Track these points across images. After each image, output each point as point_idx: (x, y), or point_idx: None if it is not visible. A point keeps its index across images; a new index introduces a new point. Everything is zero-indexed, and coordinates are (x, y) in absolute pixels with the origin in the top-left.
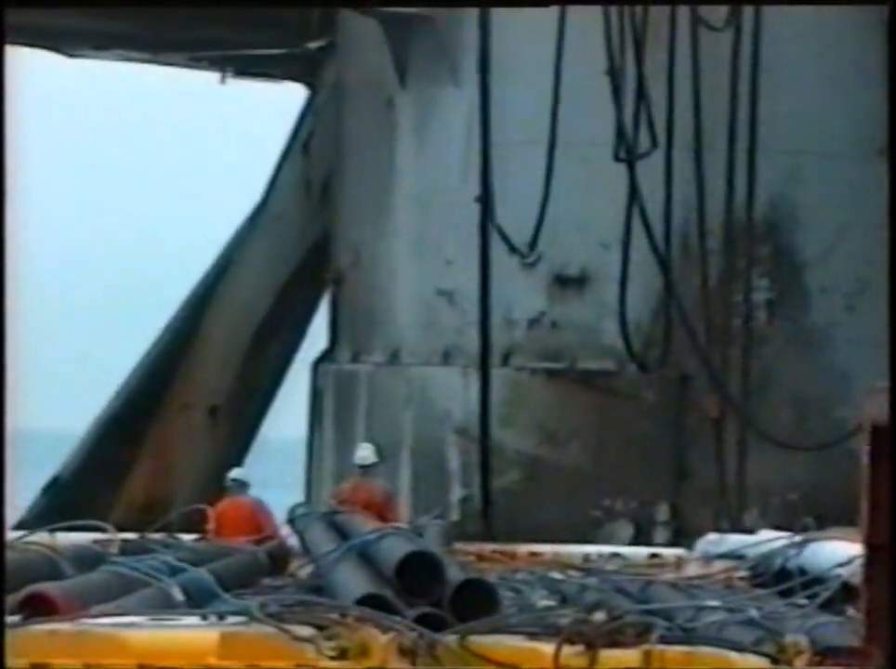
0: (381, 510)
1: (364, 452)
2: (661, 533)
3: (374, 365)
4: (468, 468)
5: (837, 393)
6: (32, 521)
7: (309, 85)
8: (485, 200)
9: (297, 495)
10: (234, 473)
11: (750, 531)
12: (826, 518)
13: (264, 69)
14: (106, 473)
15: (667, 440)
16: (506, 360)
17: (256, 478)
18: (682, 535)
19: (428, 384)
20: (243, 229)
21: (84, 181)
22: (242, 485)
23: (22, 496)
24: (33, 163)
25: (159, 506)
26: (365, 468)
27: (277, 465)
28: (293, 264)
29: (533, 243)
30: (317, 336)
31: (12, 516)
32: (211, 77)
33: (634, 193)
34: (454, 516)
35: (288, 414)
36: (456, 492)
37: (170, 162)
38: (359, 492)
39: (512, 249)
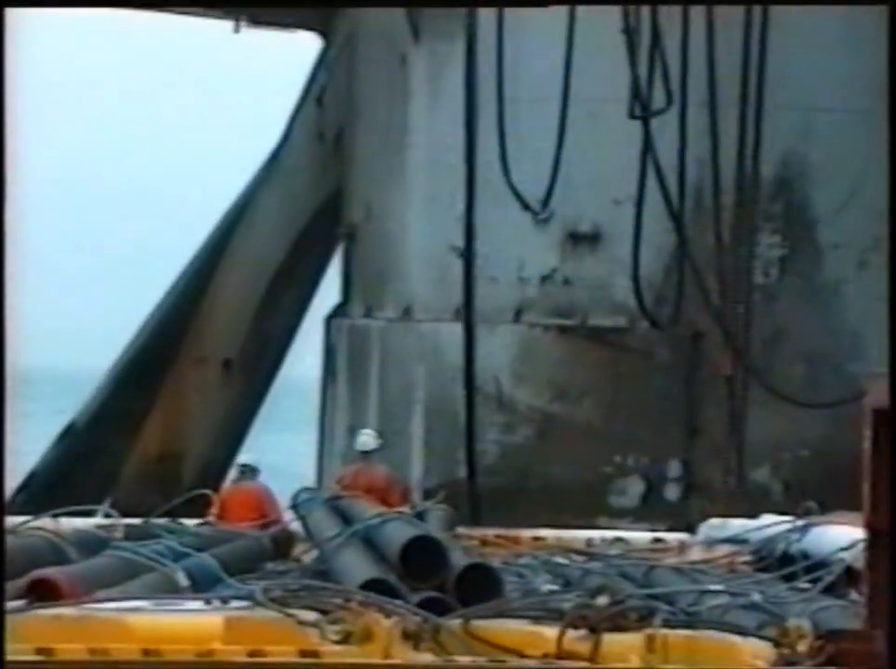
0: (383, 495)
1: (365, 438)
2: (672, 489)
3: (386, 321)
4: (481, 424)
5: (849, 349)
6: (47, 468)
7: (323, 34)
8: (470, 153)
9: (311, 438)
10: (244, 458)
11: (759, 499)
12: (838, 476)
13: (278, 18)
14: (120, 422)
15: (679, 397)
16: (518, 316)
17: (271, 417)
18: (693, 491)
19: (441, 340)
20: (256, 180)
21: (99, 133)
22: (251, 471)
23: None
24: (51, 118)
25: (173, 458)
26: (366, 454)
27: (292, 404)
28: (306, 217)
29: (546, 200)
30: (330, 291)
31: (28, 462)
32: (225, 26)
33: (648, 150)
34: (467, 472)
35: (305, 355)
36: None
37: (183, 111)
38: (360, 478)
39: (525, 206)
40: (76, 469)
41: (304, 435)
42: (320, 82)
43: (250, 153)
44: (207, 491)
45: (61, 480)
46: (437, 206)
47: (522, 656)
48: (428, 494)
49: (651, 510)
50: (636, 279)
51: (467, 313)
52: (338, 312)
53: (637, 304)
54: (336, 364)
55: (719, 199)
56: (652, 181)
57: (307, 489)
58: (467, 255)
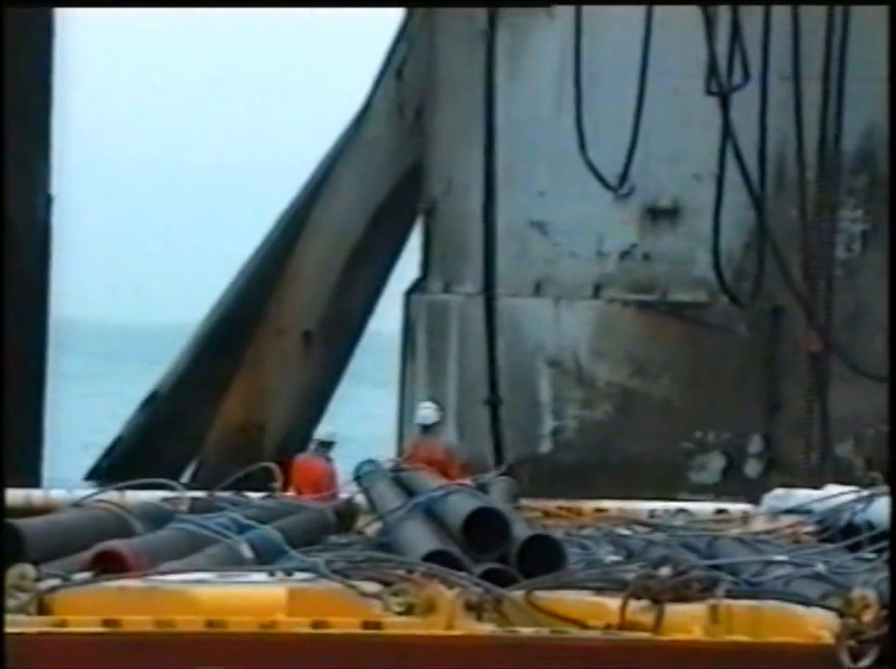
0: (443, 468)
1: (426, 411)
2: (753, 465)
3: (465, 296)
4: (560, 400)
5: None
6: (131, 435)
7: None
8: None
9: (392, 393)
10: (321, 433)
11: (841, 475)
12: None
13: None
14: (202, 391)
15: (759, 372)
16: (597, 292)
17: (355, 372)
18: (774, 467)
19: (520, 315)
20: (336, 151)
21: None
22: (325, 446)
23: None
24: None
25: (254, 428)
26: (427, 428)
27: (375, 360)
28: (386, 190)
29: (625, 175)
30: (409, 266)
31: (113, 428)
32: None
33: (727, 126)
34: (547, 447)
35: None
36: (548, 424)
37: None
38: (420, 451)
39: (603, 183)
40: (160, 436)
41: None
42: (400, 53)
43: (331, 123)
44: (271, 464)
45: (145, 447)
46: (517, 181)
47: (585, 627)
48: (509, 469)
49: (731, 486)
50: (716, 254)
51: (487, 284)
52: (417, 287)
53: (717, 279)
54: (415, 339)
55: (802, 173)
56: (732, 156)
57: (369, 461)
58: (487, 217)
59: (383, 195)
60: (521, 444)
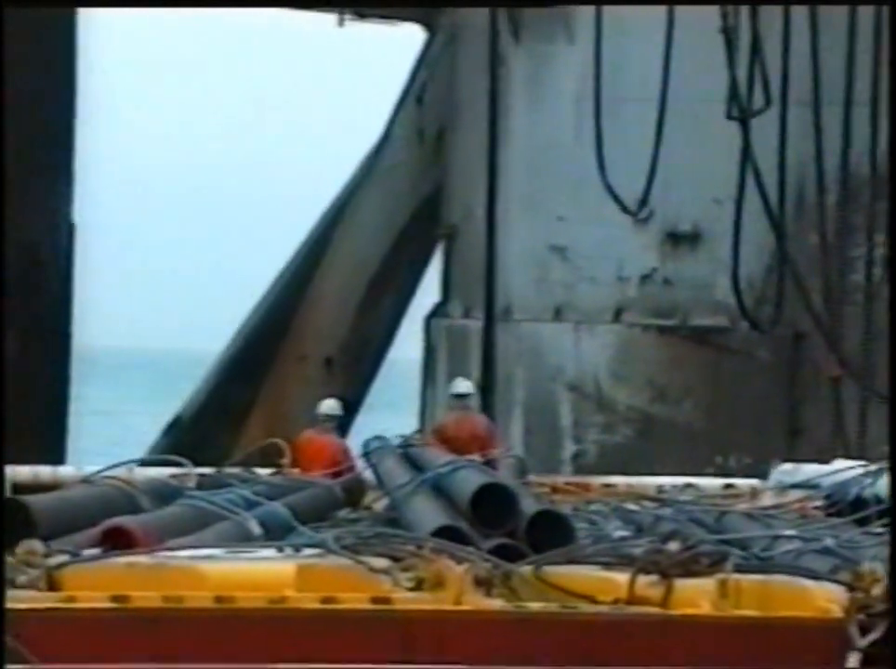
0: (484, 444)
1: (461, 383)
2: None
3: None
4: (580, 424)
5: None
6: (154, 461)
7: (427, 26)
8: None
9: (412, 419)
10: (325, 406)
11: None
12: None
13: (382, 11)
14: (225, 417)
15: (781, 398)
16: (617, 316)
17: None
18: None
19: (540, 340)
20: (357, 178)
21: (205, 124)
22: (330, 419)
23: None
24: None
25: (276, 453)
26: (462, 398)
27: (395, 385)
28: (405, 216)
29: (645, 200)
30: (429, 290)
31: (137, 452)
32: (329, 19)
33: (747, 151)
34: (567, 471)
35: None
36: (568, 448)
37: (287, 105)
38: (463, 426)
39: (623, 208)
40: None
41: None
42: (421, 79)
43: (352, 150)
44: (279, 441)
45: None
46: (536, 206)
47: (594, 602)
48: None
49: None
50: (735, 279)
51: (488, 305)
52: (438, 312)
53: (737, 304)
54: (435, 364)
55: (823, 198)
56: (752, 180)
57: (377, 437)
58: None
59: (403, 221)
60: (541, 468)
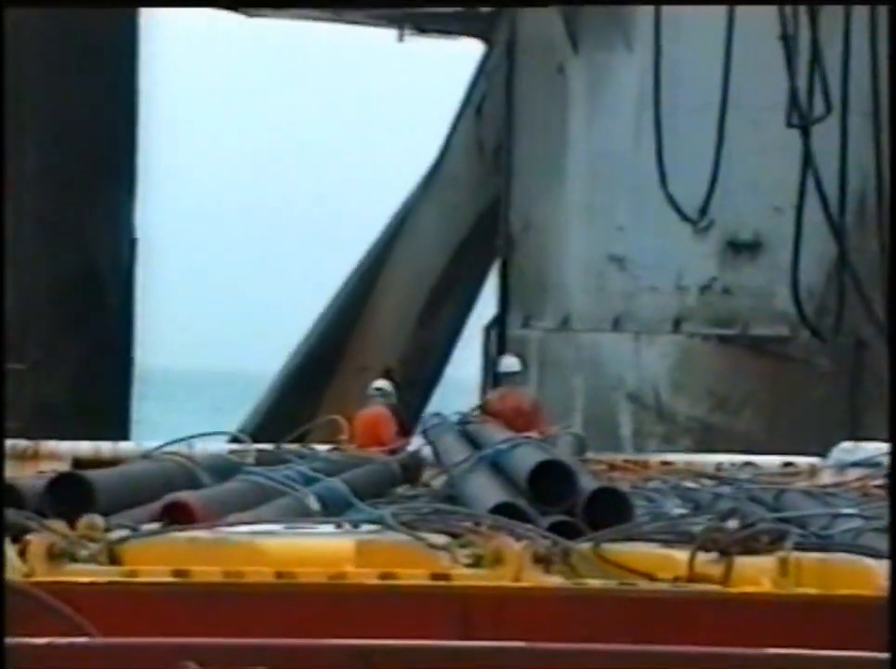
0: (530, 419)
1: (509, 360)
2: None
3: (544, 331)
4: (640, 434)
5: None
6: None
7: (486, 41)
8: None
9: None
10: (378, 383)
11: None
12: None
13: (442, 25)
14: (286, 431)
15: (842, 407)
16: (677, 326)
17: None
18: None
19: (599, 350)
20: (418, 190)
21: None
22: (384, 394)
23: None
24: (204, 122)
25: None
26: (509, 376)
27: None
28: (465, 227)
29: (705, 209)
30: (488, 301)
31: None
32: (389, 35)
33: (808, 159)
34: None
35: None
36: None
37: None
38: (508, 401)
39: (683, 217)
40: None
41: None
42: (479, 91)
43: (412, 162)
44: (337, 417)
45: None
46: (596, 216)
47: (653, 579)
48: None
49: None
50: (795, 287)
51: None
52: (497, 323)
53: (797, 313)
54: (494, 375)
55: (882, 206)
56: (813, 189)
57: (436, 414)
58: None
59: (463, 232)
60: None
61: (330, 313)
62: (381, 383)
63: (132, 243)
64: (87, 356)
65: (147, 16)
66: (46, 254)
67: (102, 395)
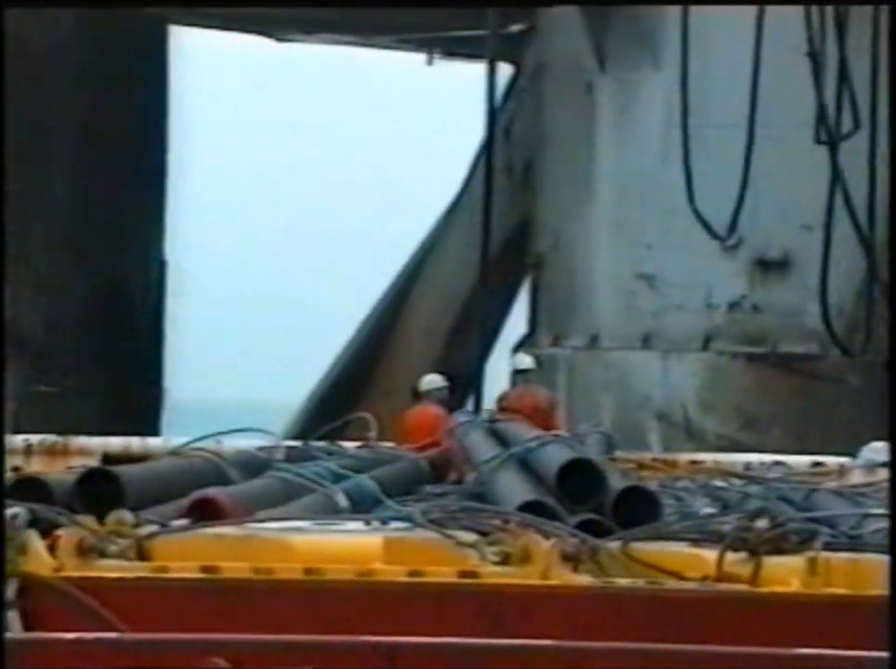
0: (546, 417)
1: (522, 358)
2: None
3: (573, 349)
4: (669, 453)
5: None
6: None
7: (515, 64)
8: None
9: None
10: (428, 380)
11: None
12: None
13: (471, 49)
14: None
15: (872, 424)
16: (706, 344)
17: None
18: None
19: (628, 368)
20: (447, 213)
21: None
22: (437, 391)
23: None
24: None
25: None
26: (523, 373)
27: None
28: (494, 248)
29: (733, 226)
30: (517, 321)
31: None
32: (418, 59)
33: (836, 176)
34: None
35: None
36: None
37: (377, 144)
38: (524, 399)
39: (711, 234)
40: None
41: None
42: (508, 113)
43: (441, 185)
44: (366, 415)
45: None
46: (624, 234)
47: (681, 578)
48: None
49: None
50: (824, 305)
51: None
52: (526, 341)
53: (826, 331)
54: None
55: None
56: (842, 206)
57: (464, 412)
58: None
59: (492, 253)
60: None
61: (359, 337)
62: (434, 377)
63: (161, 266)
64: (117, 385)
65: (176, 39)
66: (76, 275)
67: (130, 423)
